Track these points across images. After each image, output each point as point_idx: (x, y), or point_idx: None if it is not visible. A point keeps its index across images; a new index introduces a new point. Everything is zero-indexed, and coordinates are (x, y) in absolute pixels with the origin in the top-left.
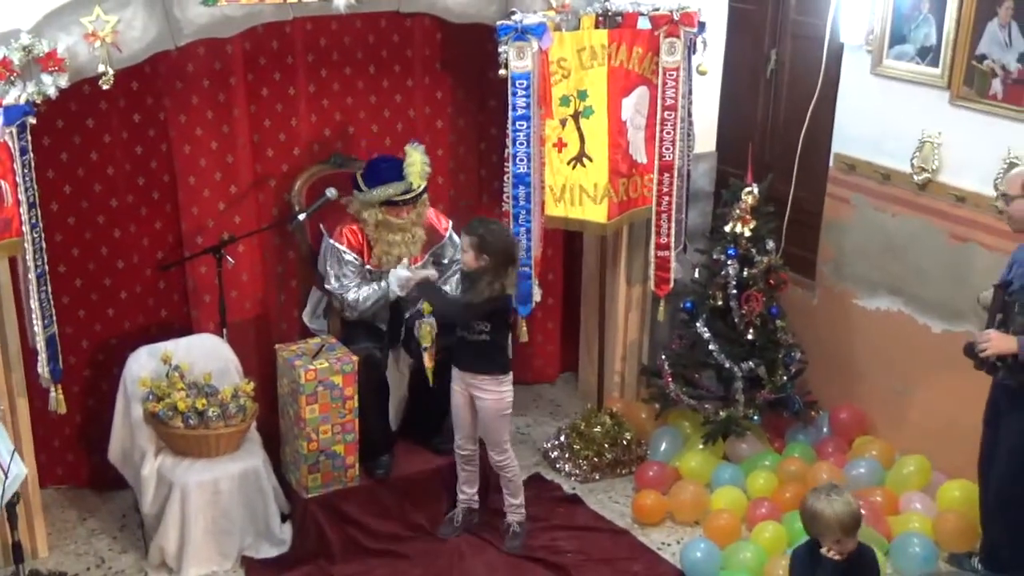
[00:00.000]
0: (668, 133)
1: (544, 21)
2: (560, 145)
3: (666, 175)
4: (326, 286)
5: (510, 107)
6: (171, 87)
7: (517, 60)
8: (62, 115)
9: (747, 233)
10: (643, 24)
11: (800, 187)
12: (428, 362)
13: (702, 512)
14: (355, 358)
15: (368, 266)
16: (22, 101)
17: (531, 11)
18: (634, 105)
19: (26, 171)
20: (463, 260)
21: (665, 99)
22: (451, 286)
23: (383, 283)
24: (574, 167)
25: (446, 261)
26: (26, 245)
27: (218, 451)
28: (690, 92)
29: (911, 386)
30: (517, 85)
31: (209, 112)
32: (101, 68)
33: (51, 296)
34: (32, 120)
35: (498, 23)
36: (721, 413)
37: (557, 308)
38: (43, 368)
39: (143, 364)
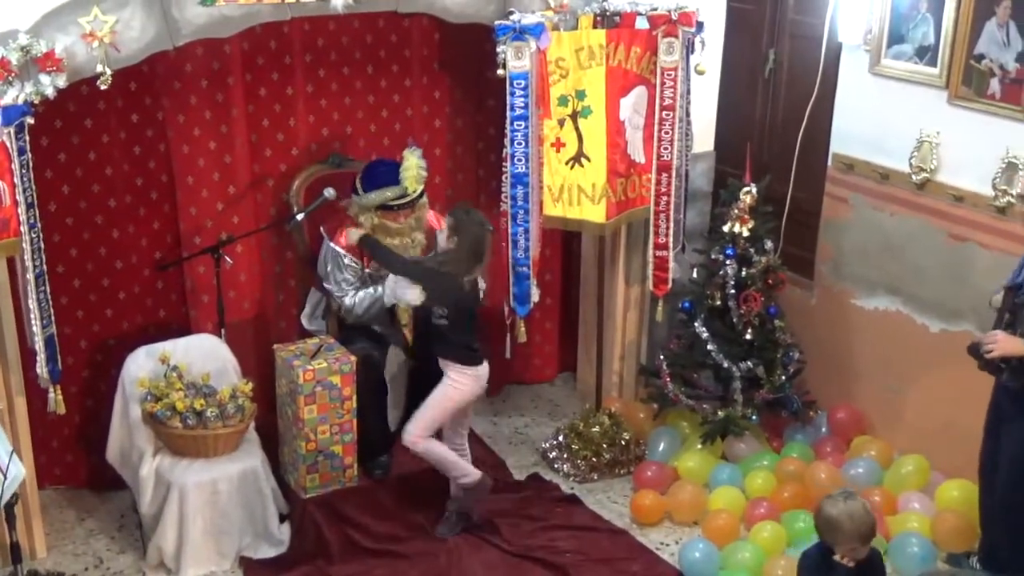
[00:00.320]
0: (666, 133)
1: (542, 21)
2: (558, 145)
3: (664, 175)
4: (325, 285)
5: (508, 107)
6: (169, 87)
7: (515, 60)
8: (60, 115)
9: (745, 233)
10: (641, 24)
11: (798, 187)
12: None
13: (700, 512)
14: (353, 358)
15: (368, 270)
16: (20, 101)
17: (529, 11)
18: (632, 105)
19: (24, 171)
20: (439, 239)
21: (663, 99)
22: None
23: (379, 287)
24: (572, 167)
25: None
26: (24, 245)
27: (216, 451)
28: (688, 92)
29: (909, 386)
30: (515, 85)
31: (207, 112)
32: (99, 68)
33: (49, 296)
34: (30, 120)
35: (496, 23)
36: (719, 413)
37: (555, 308)
38: (42, 368)
39: (141, 364)
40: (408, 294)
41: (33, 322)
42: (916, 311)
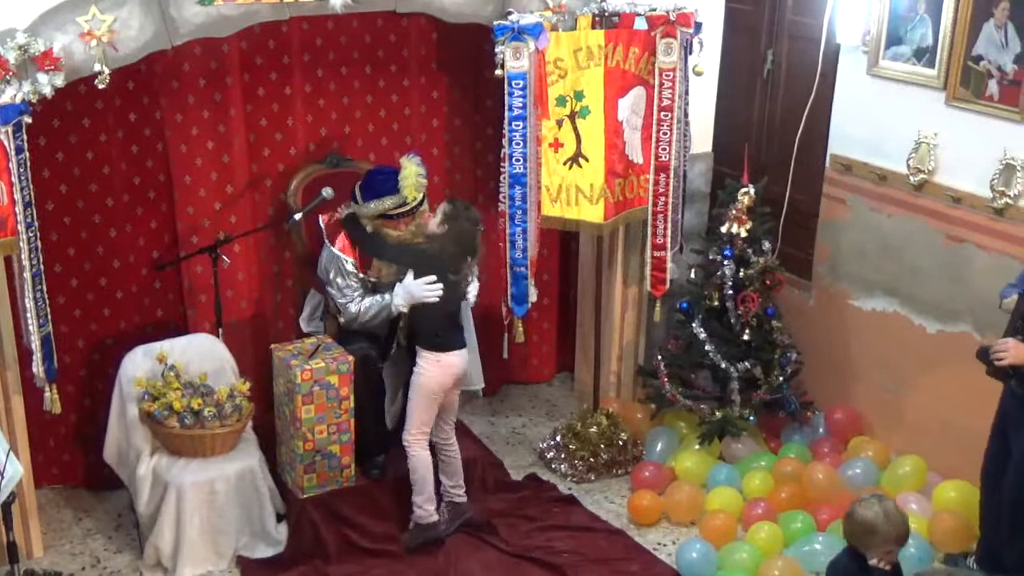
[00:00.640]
0: (664, 134)
1: (540, 21)
2: (556, 145)
3: (662, 175)
4: (328, 290)
5: (506, 107)
6: (167, 86)
7: (513, 60)
8: (58, 114)
9: (743, 234)
10: (640, 24)
11: (796, 188)
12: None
13: (698, 512)
14: (351, 358)
15: (372, 278)
16: (18, 100)
17: (527, 11)
18: (630, 105)
19: (22, 170)
20: (430, 223)
21: (661, 99)
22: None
23: (386, 295)
24: (570, 167)
25: None
26: (21, 244)
27: (214, 451)
28: (686, 92)
29: (907, 386)
30: (513, 85)
31: (205, 111)
32: (97, 67)
33: (46, 295)
34: (28, 119)
35: (494, 23)
36: (717, 413)
37: (553, 308)
38: (38, 367)
39: (139, 364)
40: (426, 292)
41: (30, 321)
42: (914, 312)
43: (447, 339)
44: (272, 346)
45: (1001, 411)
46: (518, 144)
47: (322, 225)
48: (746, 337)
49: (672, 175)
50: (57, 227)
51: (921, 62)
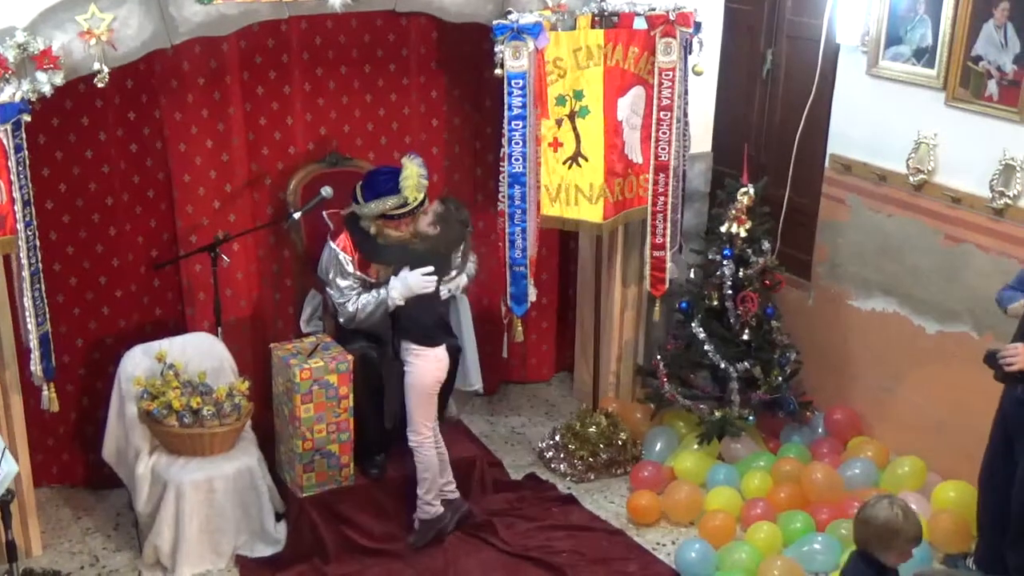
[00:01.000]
0: (664, 133)
1: (540, 21)
2: (556, 145)
3: (662, 175)
4: (328, 290)
5: (506, 106)
6: (166, 85)
7: (513, 60)
8: (57, 113)
9: (743, 233)
10: (639, 24)
11: (796, 188)
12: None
13: (697, 512)
14: (350, 357)
15: (369, 278)
16: (17, 99)
17: (527, 11)
18: (630, 105)
19: (21, 169)
20: (421, 221)
21: (661, 99)
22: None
23: (381, 291)
24: (570, 167)
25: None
26: (20, 243)
27: (213, 450)
28: (686, 92)
29: (906, 387)
30: (513, 85)
31: (204, 110)
32: (96, 66)
33: (44, 294)
34: (27, 118)
35: (494, 22)
36: (716, 413)
37: (552, 308)
38: (36, 366)
39: (138, 362)
40: (424, 283)
41: (28, 320)
42: (913, 312)
43: (437, 334)
44: (271, 345)
45: (1003, 416)
46: (517, 143)
47: (329, 223)
48: (745, 337)
49: (671, 175)
50: (56, 226)
51: (921, 62)
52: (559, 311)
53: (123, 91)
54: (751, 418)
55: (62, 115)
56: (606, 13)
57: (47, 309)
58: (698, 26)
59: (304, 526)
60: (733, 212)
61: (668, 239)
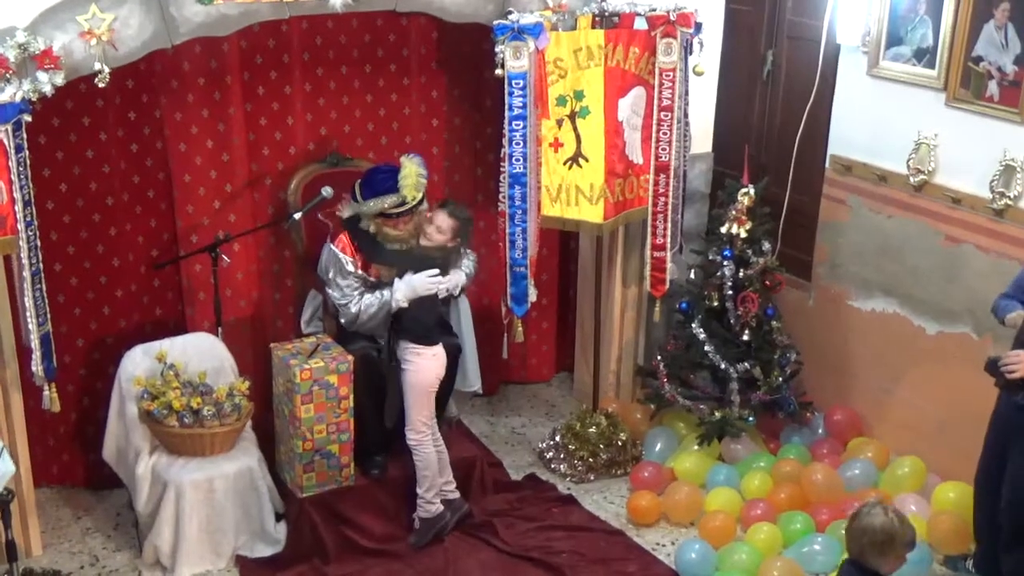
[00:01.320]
0: (664, 134)
1: (541, 21)
2: (556, 145)
3: (662, 176)
4: (328, 291)
5: (506, 107)
6: (167, 85)
7: (513, 60)
8: (58, 113)
9: (743, 234)
10: (640, 24)
11: (796, 188)
12: None
13: (697, 513)
14: (351, 357)
15: (370, 277)
16: (18, 99)
17: (528, 11)
18: (630, 106)
19: (21, 169)
20: (434, 238)
21: (661, 100)
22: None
23: (385, 292)
24: (570, 167)
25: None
26: (21, 243)
27: (213, 450)
28: (686, 93)
29: (906, 388)
30: (513, 85)
31: (205, 110)
32: (97, 66)
33: (45, 294)
34: (28, 118)
35: (495, 23)
36: (716, 414)
37: (552, 308)
38: (37, 366)
39: (138, 362)
40: (429, 284)
41: (29, 320)
42: (913, 313)
43: (437, 333)
44: (271, 345)
45: (999, 418)
46: (518, 144)
47: (326, 221)
48: (745, 337)
49: (672, 175)
50: (57, 226)
51: (921, 63)
52: (559, 311)
53: (124, 91)
54: (751, 419)
55: (63, 115)
56: (607, 13)
57: (48, 309)
58: (699, 27)
59: (304, 526)
60: (733, 213)
61: (668, 239)
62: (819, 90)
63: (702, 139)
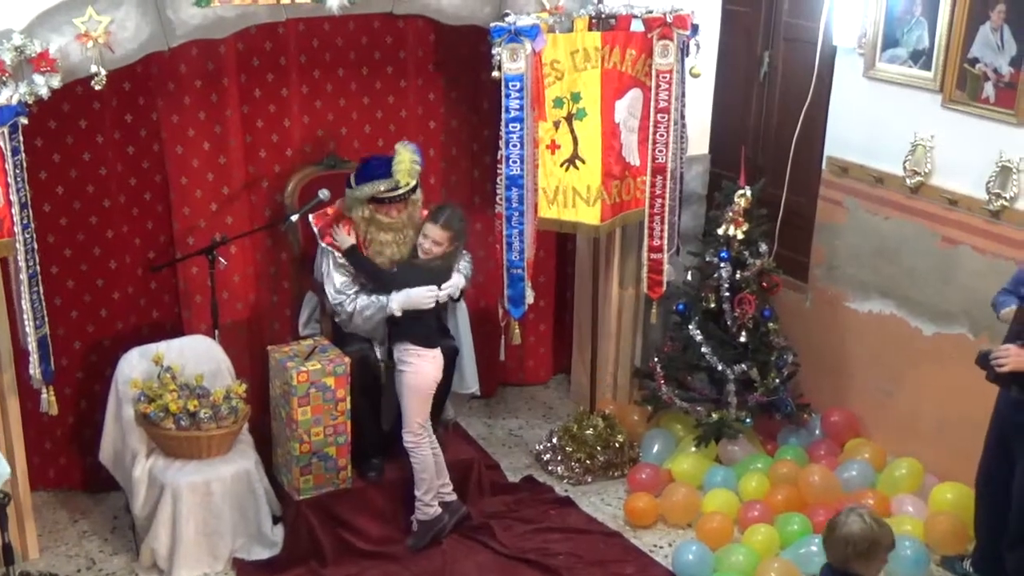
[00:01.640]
0: (661, 136)
1: (537, 23)
2: (553, 147)
3: (659, 177)
4: (326, 288)
5: (503, 109)
6: (163, 87)
7: (510, 62)
8: (54, 116)
9: (740, 236)
10: (636, 26)
11: (793, 190)
12: None
13: (694, 514)
14: (347, 360)
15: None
16: (14, 102)
17: (524, 13)
18: (627, 107)
19: (18, 171)
20: (433, 251)
21: (658, 102)
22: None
23: (382, 297)
24: (567, 169)
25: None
26: (18, 246)
27: (210, 453)
28: (683, 95)
29: (903, 389)
30: (510, 87)
31: (201, 113)
32: (93, 69)
33: (43, 297)
34: (24, 120)
35: (491, 25)
36: (713, 415)
37: (549, 310)
38: (35, 369)
39: (135, 365)
40: (426, 299)
41: (26, 323)
42: (910, 314)
43: (435, 336)
44: (268, 347)
45: (998, 417)
46: (515, 146)
47: (314, 227)
48: (742, 339)
49: (669, 177)
50: (54, 228)
51: (917, 64)
52: (556, 313)
53: (120, 94)
54: (748, 420)
55: (59, 118)
56: (603, 15)
57: (45, 312)
58: (695, 28)
59: (301, 529)
60: (730, 214)
61: (665, 241)
62: (815, 92)
63: (699, 141)
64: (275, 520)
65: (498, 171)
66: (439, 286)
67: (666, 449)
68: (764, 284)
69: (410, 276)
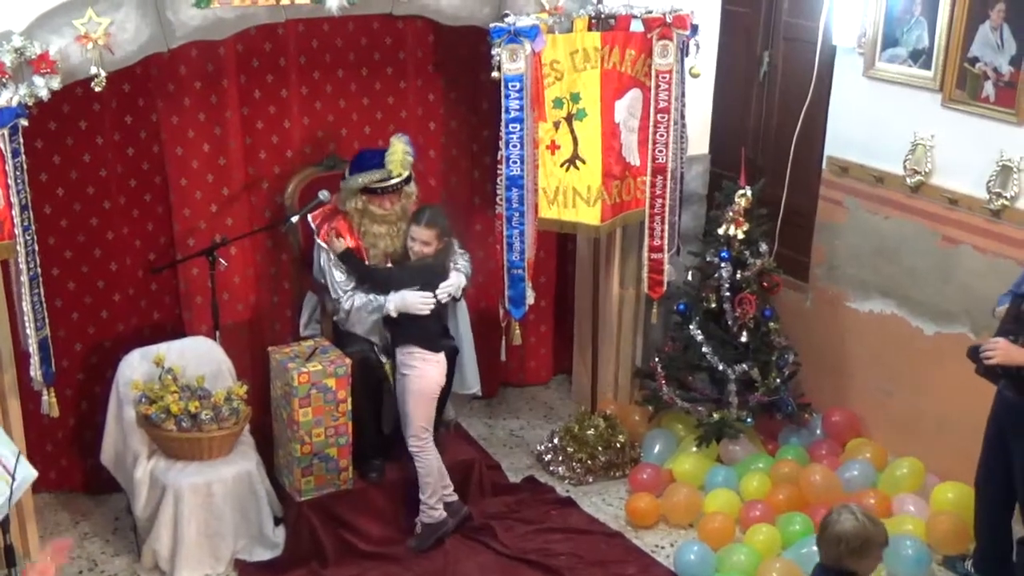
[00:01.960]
0: (661, 136)
1: (537, 23)
2: (553, 147)
3: (659, 177)
4: (323, 283)
5: (503, 109)
6: (163, 89)
7: (510, 62)
8: (54, 117)
9: (740, 236)
10: (636, 27)
11: (793, 190)
12: None
13: (696, 514)
14: (348, 361)
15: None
16: (14, 103)
17: (524, 13)
18: (627, 108)
19: (18, 173)
20: (420, 251)
21: (658, 102)
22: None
23: (379, 297)
24: (567, 169)
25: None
26: (18, 248)
27: (211, 454)
28: (683, 95)
29: (904, 388)
30: (510, 87)
31: (201, 114)
32: (93, 70)
33: (43, 299)
34: (24, 122)
35: (491, 25)
36: (714, 415)
37: (550, 311)
38: (35, 371)
39: (136, 367)
40: (420, 305)
41: (27, 324)
42: (911, 314)
43: (438, 339)
44: (269, 348)
45: (994, 417)
46: (515, 146)
47: (312, 224)
48: (743, 339)
49: (669, 177)
50: (54, 230)
51: (917, 64)
52: (557, 314)
53: (120, 95)
54: (749, 420)
55: (59, 119)
56: (603, 16)
57: (46, 314)
58: (695, 28)
59: (303, 530)
60: (730, 214)
61: (666, 241)
62: (815, 91)
63: (699, 141)
64: (276, 521)
65: (498, 172)
66: (437, 287)
67: (667, 449)
68: (765, 284)
69: (406, 276)
